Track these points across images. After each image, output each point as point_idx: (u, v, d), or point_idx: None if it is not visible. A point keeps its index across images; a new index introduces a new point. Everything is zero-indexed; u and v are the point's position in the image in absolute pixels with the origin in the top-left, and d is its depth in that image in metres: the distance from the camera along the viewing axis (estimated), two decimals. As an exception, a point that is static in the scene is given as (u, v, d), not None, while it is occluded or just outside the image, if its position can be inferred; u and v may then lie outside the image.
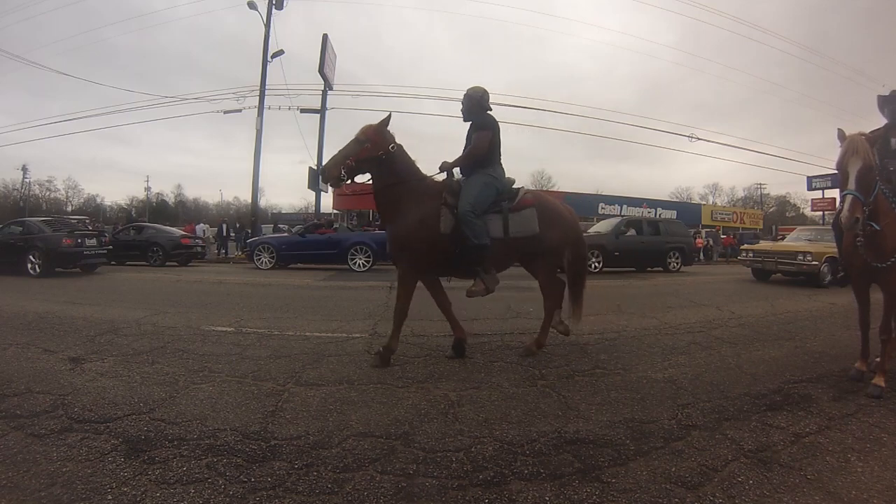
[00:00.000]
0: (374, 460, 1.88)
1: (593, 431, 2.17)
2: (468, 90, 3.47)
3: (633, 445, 2.03)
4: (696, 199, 46.35)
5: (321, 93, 18.16)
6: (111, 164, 72.30)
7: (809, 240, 10.34)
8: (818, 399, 2.65)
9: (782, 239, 14.94)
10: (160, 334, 4.07)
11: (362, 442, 2.05)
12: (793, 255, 9.45)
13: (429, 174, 3.40)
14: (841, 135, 2.71)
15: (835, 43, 67.42)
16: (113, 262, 12.43)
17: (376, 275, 10.01)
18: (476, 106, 3.43)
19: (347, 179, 3.21)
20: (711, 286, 9.21)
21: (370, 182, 3.29)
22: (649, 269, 12.67)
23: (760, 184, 45.86)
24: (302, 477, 1.75)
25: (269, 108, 17.54)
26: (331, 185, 3.28)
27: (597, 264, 11.69)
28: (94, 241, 10.52)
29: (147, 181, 49.80)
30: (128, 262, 13.35)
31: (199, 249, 15.03)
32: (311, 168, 17.69)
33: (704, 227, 29.08)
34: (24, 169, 42.50)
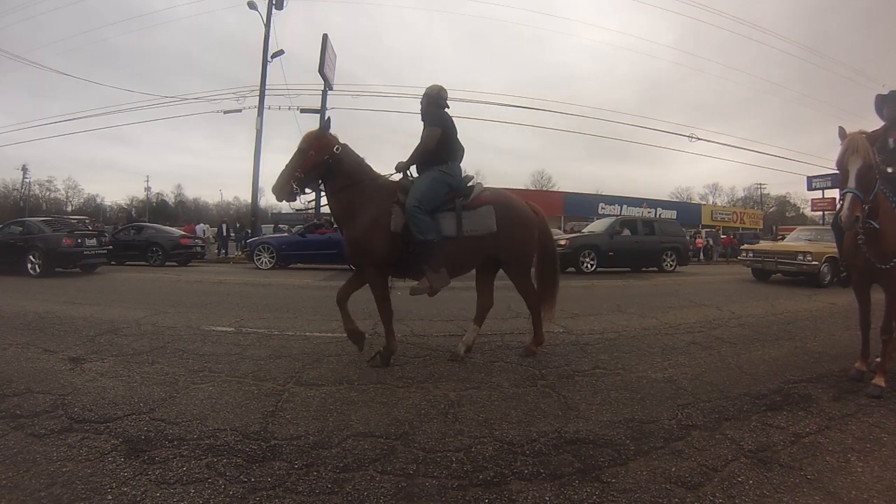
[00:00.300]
0: (374, 460, 1.88)
1: (593, 431, 2.17)
2: (426, 89, 3.46)
3: (633, 445, 2.03)
4: (696, 199, 46.40)
5: (321, 93, 18.17)
6: (111, 164, 72.36)
7: (809, 240, 10.34)
8: (818, 399, 2.65)
9: (782, 239, 14.94)
10: (160, 334, 4.07)
11: (362, 442, 2.05)
12: (793, 255, 9.45)
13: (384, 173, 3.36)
14: (842, 133, 2.70)
15: (835, 43, 67.53)
16: (113, 262, 12.43)
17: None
18: (431, 104, 3.41)
19: (301, 192, 3.15)
20: (711, 286, 9.21)
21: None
22: (644, 269, 12.62)
23: (760, 184, 45.94)
24: (302, 477, 1.75)
25: (269, 108, 17.57)
26: (287, 202, 3.19)
27: (591, 264, 11.67)
28: (94, 241, 10.52)
29: (147, 181, 49.86)
30: (127, 262, 13.35)
31: (198, 249, 15.03)
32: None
33: (704, 227, 29.12)
34: (24, 169, 42.57)
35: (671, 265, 12.82)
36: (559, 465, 1.86)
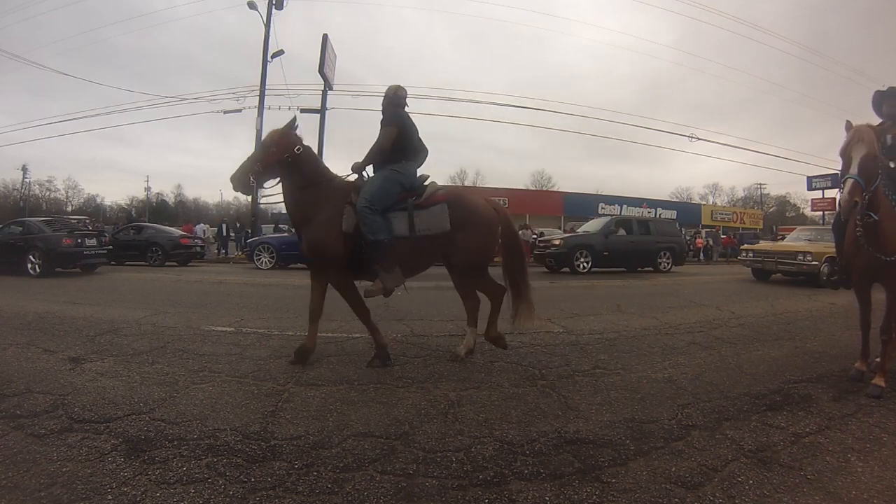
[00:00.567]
0: (374, 460, 1.88)
1: (593, 431, 2.17)
2: (386, 89, 3.47)
3: (633, 445, 2.03)
4: (696, 199, 46.37)
5: (321, 93, 18.17)
6: (111, 164, 72.29)
7: (809, 240, 10.34)
8: (818, 399, 2.65)
9: (782, 239, 14.94)
10: (160, 334, 4.07)
11: (362, 442, 2.05)
12: (793, 255, 9.45)
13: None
14: (848, 126, 2.68)
15: (835, 43, 67.43)
16: (112, 262, 12.43)
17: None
18: (389, 104, 3.41)
19: (257, 186, 3.19)
20: (711, 286, 9.22)
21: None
22: (640, 269, 12.55)
23: (760, 184, 45.94)
24: (302, 477, 1.75)
25: (269, 108, 17.56)
26: (242, 193, 3.25)
27: (586, 264, 11.64)
28: (94, 241, 10.52)
29: (147, 181, 49.82)
30: (127, 262, 13.36)
31: (198, 249, 15.03)
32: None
33: (704, 227, 29.10)
34: (24, 169, 42.51)
35: (667, 265, 12.77)
36: (559, 465, 1.86)
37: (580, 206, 27.79)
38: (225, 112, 18.46)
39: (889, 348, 2.84)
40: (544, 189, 42.05)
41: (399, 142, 3.24)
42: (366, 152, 3.29)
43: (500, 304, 3.43)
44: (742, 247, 13.65)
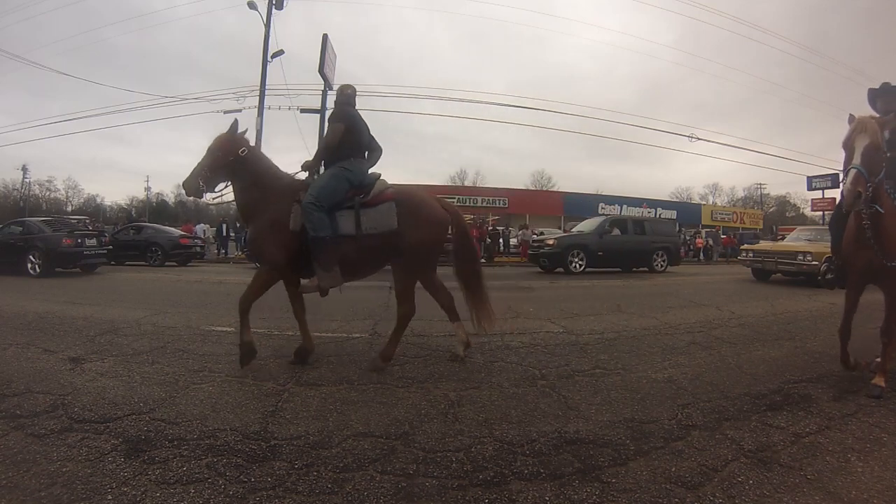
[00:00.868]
0: (374, 460, 1.88)
1: (593, 431, 2.17)
2: (337, 89, 3.50)
3: (633, 445, 2.03)
4: (696, 199, 46.32)
5: (321, 93, 18.14)
6: (111, 164, 72.09)
7: (809, 240, 10.34)
8: (818, 399, 2.65)
9: (782, 239, 14.94)
10: (160, 334, 4.07)
11: (362, 442, 2.05)
12: (793, 255, 9.45)
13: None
14: (851, 118, 2.63)
15: (835, 43, 67.46)
16: (112, 262, 12.43)
17: (377, 275, 9.99)
18: (338, 102, 3.44)
19: (207, 190, 3.26)
20: (711, 286, 9.22)
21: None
22: (634, 269, 12.47)
23: (760, 184, 45.91)
24: (302, 477, 1.75)
25: (269, 108, 17.54)
26: (194, 198, 3.34)
27: (580, 265, 11.58)
28: (94, 241, 10.53)
29: (147, 181, 49.76)
30: (127, 262, 13.36)
31: (198, 249, 15.04)
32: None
33: (704, 227, 29.11)
34: (24, 169, 42.46)
35: (662, 265, 12.69)
36: (559, 465, 1.86)
37: (580, 206, 27.81)
38: (225, 112, 18.37)
39: (889, 349, 2.84)
40: (544, 189, 42.07)
41: (347, 139, 3.25)
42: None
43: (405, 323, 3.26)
44: (742, 247, 13.63)
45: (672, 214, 30.47)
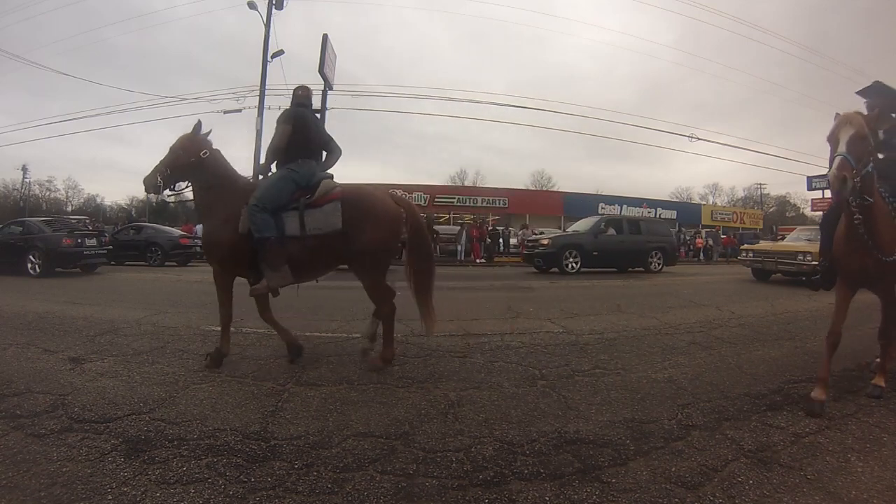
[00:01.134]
0: (374, 460, 1.88)
1: (593, 431, 2.17)
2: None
3: (633, 445, 2.03)
4: (696, 199, 46.25)
5: (321, 93, 18.14)
6: (111, 164, 71.98)
7: (809, 240, 10.32)
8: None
9: (782, 239, 14.94)
10: (160, 334, 4.07)
11: (362, 442, 2.05)
12: (793, 255, 9.45)
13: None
14: (837, 116, 2.54)
15: (835, 43, 67.38)
16: (112, 262, 12.44)
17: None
18: (291, 104, 3.46)
19: (165, 188, 3.31)
20: (711, 286, 9.22)
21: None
22: (630, 269, 12.40)
23: (760, 184, 45.86)
24: (302, 477, 1.75)
25: (269, 108, 17.48)
26: (152, 194, 3.41)
27: (575, 265, 11.53)
28: (94, 241, 10.53)
29: (147, 181, 49.68)
30: (127, 262, 13.36)
31: (197, 249, 15.02)
32: (310, 168, 17.68)
33: (704, 227, 29.11)
34: (24, 169, 42.40)
35: (657, 265, 12.60)
36: (559, 465, 1.86)
37: (580, 206, 27.79)
38: (225, 112, 18.40)
39: (890, 349, 2.84)
40: (544, 189, 42.04)
41: (295, 141, 3.25)
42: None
43: (392, 320, 3.22)
44: (742, 247, 13.62)
45: (672, 214, 30.48)
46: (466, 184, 42.90)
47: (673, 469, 1.83)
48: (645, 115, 58.97)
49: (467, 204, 28.88)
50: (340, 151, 3.54)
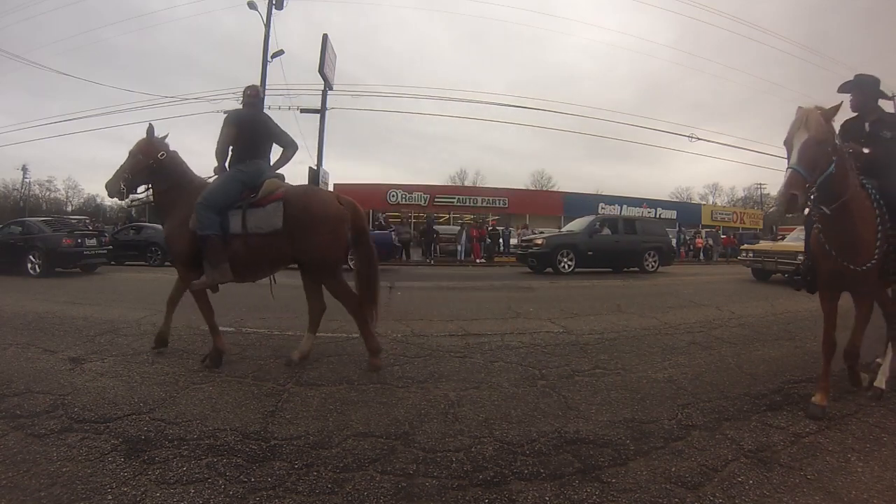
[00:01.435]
0: (374, 460, 1.89)
1: (593, 431, 2.17)
2: None
3: (633, 445, 2.03)
4: (696, 199, 46.17)
5: (321, 93, 18.16)
6: (111, 164, 70.21)
7: (809, 240, 10.32)
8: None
9: (782, 239, 14.94)
10: (160, 334, 4.06)
11: (362, 442, 2.05)
12: (793, 255, 9.43)
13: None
14: (798, 110, 2.32)
15: (835, 43, 67.22)
16: (112, 262, 12.43)
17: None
18: (242, 105, 3.54)
19: (128, 192, 3.41)
20: (711, 286, 9.22)
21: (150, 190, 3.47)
22: (625, 269, 12.30)
23: (760, 184, 45.71)
24: (302, 477, 1.75)
25: (269, 108, 17.47)
26: (116, 199, 3.51)
27: (569, 265, 11.43)
28: (94, 241, 10.53)
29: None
30: (127, 262, 13.36)
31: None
32: (310, 168, 17.69)
33: (704, 227, 29.08)
34: (24, 169, 42.37)
35: (653, 265, 12.48)
36: (559, 465, 1.87)
37: (580, 206, 27.73)
38: (225, 112, 18.41)
39: (891, 349, 2.83)
40: (544, 189, 42.02)
41: (243, 141, 3.31)
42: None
43: (363, 314, 3.22)
44: (742, 247, 13.60)
45: (672, 214, 30.44)
46: (466, 184, 42.88)
47: (673, 469, 1.83)
48: (645, 115, 58.77)
49: (467, 204, 28.87)
50: (296, 147, 3.58)
